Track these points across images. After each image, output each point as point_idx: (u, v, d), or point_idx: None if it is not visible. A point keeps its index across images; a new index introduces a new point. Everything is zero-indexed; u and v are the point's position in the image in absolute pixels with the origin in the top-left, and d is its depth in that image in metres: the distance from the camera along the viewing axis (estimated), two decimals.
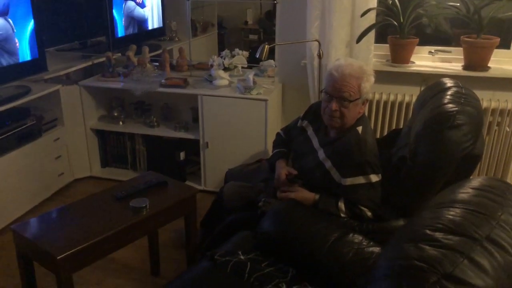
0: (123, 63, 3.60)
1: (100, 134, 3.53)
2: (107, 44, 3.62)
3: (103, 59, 3.45)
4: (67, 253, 1.66)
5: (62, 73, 3.24)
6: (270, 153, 2.46)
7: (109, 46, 3.55)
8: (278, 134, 2.43)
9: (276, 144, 2.39)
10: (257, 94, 2.98)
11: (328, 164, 2.01)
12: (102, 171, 3.57)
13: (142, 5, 3.89)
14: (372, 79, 1.99)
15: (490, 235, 1.00)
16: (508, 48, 2.93)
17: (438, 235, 1.01)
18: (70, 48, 3.62)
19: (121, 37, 3.66)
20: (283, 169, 2.16)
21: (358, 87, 1.94)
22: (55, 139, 3.16)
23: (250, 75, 3.08)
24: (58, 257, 1.64)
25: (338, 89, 1.95)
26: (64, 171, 3.29)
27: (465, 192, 1.18)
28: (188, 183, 3.31)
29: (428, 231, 1.04)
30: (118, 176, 3.46)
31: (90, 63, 3.49)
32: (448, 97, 1.94)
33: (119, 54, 3.64)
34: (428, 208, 1.18)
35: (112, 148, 3.58)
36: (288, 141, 2.34)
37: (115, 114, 3.50)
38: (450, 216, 1.07)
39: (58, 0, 3.38)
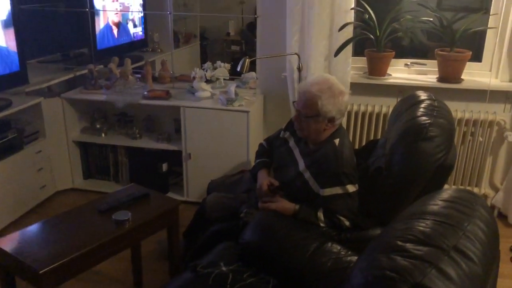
0: (105, 75, 3.61)
1: (83, 146, 3.53)
2: (89, 56, 3.63)
3: (86, 71, 3.46)
4: (49, 267, 1.67)
5: (44, 85, 3.23)
6: (253, 164, 2.51)
7: (91, 58, 3.57)
8: (261, 145, 2.48)
9: (259, 154, 2.43)
10: (239, 105, 3.03)
11: (307, 174, 2.07)
12: (84, 183, 3.56)
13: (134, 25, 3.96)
14: (340, 99, 2.01)
15: (457, 245, 1.06)
16: (480, 61, 3.04)
17: (409, 246, 1.07)
18: (52, 60, 3.62)
19: (103, 49, 3.68)
20: (265, 180, 2.21)
21: (314, 104, 2.00)
22: (37, 151, 3.15)
23: (232, 87, 3.12)
24: (40, 272, 1.65)
25: (298, 103, 2.07)
26: (46, 184, 3.28)
27: (435, 204, 1.24)
28: (170, 194, 3.34)
29: (399, 242, 1.09)
30: (101, 188, 3.46)
31: (72, 75, 3.49)
32: (421, 109, 2.02)
33: (102, 66, 3.65)
34: (400, 219, 1.23)
35: (94, 160, 3.58)
36: (271, 151, 2.39)
37: (98, 126, 3.51)
38: (421, 228, 1.13)
39: (40, 12, 3.38)
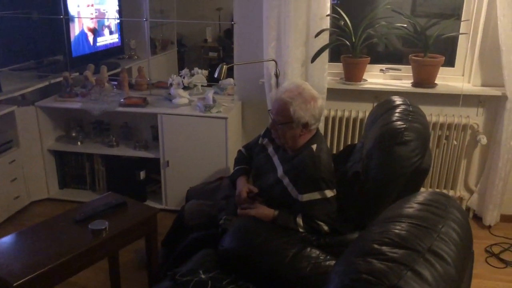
0: (81, 82, 3.57)
1: (58, 155, 3.47)
2: (64, 63, 3.57)
3: (60, 78, 3.41)
4: (24, 279, 1.63)
5: (17, 93, 3.17)
6: (232, 171, 2.50)
7: (66, 66, 3.52)
8: (239, 152, 2.48)
9: (237, 161, 2.44)
10: (217, 112, 3.03)
11: (286, 180, 2.08)
12: (60, 193, 3.50)
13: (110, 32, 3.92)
14: (312, 104, 2.03)
15: (431, 247, 1.07)
16: (453, 66, 3.11)
17: (385, 249, 1.08)
18: (26, 67, 3.56)
19: (79, 56, 3.63)
20: (244, 187, 2.21)
21: (286, 111, 2.02)
22: (10, 161, 3.09)
23: (210, 93, 3.12)
24: (14, 284, 1.61)
25: (272, 110, 2.10)
26: (20, 194, 3.21)
27: (411, 206, 1.26)
28: (149, 202, 3.30)
29: (375, 246, 1.10)
30: (77, 197, 3.41)
31: (46, 83, 3.44)
32: (396, 114, 2.05)
33: (77, 74, 3.60)
34: (377, 223, 1.25)
35: (70, 169, 3.52)
36: (250, 158, 2.40)
37: (73, 134, 3.46)
38: (396, 230, 1.14)
39: (12, 18, 3.32)
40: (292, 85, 2.09)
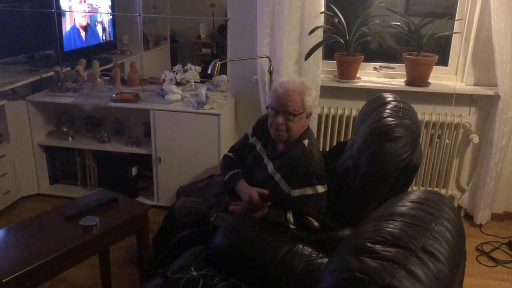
0: (72, 77, 3.53)
1: (49, 150, 3.44)
2: (55, 57, 3.53)
3: (52, 73, 3.37)
4: (12, 276, 1.61)
5: (7, 88, 3.13)
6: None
7: (57, 60, 3.48)
8: (227, 157, 2.36)
9: (228, 166, 2.29)
10: (209, 108, 3.01)
11: (277, 176, 2.07)
12: (50, 188, 3.47)
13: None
14: (315, 93, 2.10)
15: (424, 246, 1.07)
16: (446, 65, 3.12)
17: (378, 247, 1.07)
18: (16, 61, 3.51)
19: (71, 51, 3.59)
20: (252, 190, 2.09)
21: (301, 101, 2.03)
22: (0, 156, 3.05)
23: (203, 89, 3.10)
24: (3, 281, 1.59)
25: (283, 104, 2.02)
26: (10, 189, 3.17)
27: (404, 205, 1.26)
28: (140, 198, 3.28)
29: (368, 244, 1.10)
30: (68, 193, 3.38)
31: (38, 77, 3.40)
32: (387, 111, 2.05)
33: (69, 68, 3.57)
34: (370, 221, 1.24)
35: (61, 164, 3.49)
36: (240, 160, 2.31)
37: (64, 129, 3.43)
38: (389, 229, 1.14)
39: (3, 12, 3.27)
40: (294, 77, 2.14)
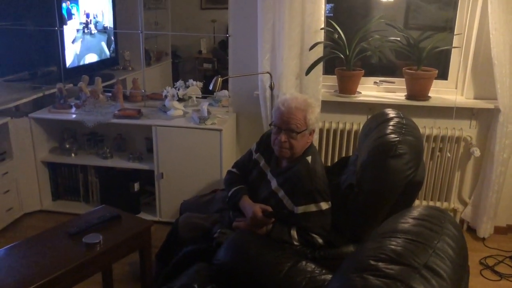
0: (75, 94, 3.56)
1: (51, 167, 3.45)
2: (58, 74, 3.56)
3: (54, 90, 3.39)
4: None
5: (11, 105, 3.16)
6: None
7: (60, 77, 3.51)
8: (230, 172, 2.38)
9: (231, 182, 2.31)
10: (211, 124, 3.03)
11: (281, 193, 2.07)
12: (53, 205, 3.47)
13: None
14: (317, 110, 2.11)
15: (427, 263, 1.07)
16: (446, 78, 3.14)
17: (381, 265, 1.08)
18: (19, 78, 3.54)
19: (73, 67, 3.63)
20: (256, 206, 2.08)
21: (304, 119, 2.04)
22: (3, 173, 3.06)
23: (205, 105, 3.12)
24: None
25: (286, 122, 2.04)
26: (13, 206, 3.18)
27: (406, 222, 1.26)
28: (143, 214, 3.29)
29: (371, 261, 1.10)
30: (70, 209, 3.38)
31: (40, 94, 3.43)
32: (390, 127, 2.06)
33: (71, 85, 3.59)
34: (372, 238, 1.25)
35: (63, 180, 3.50)
36: (244, 176, 2.32)
37: (67, 146, 3.44)
38: (392, 246, 1.14)
39: (6, 29, 3.31)
40: (296, 95, 2.15)
